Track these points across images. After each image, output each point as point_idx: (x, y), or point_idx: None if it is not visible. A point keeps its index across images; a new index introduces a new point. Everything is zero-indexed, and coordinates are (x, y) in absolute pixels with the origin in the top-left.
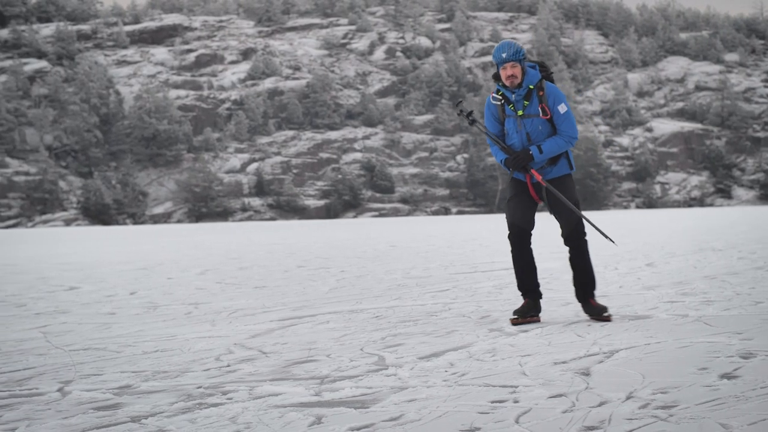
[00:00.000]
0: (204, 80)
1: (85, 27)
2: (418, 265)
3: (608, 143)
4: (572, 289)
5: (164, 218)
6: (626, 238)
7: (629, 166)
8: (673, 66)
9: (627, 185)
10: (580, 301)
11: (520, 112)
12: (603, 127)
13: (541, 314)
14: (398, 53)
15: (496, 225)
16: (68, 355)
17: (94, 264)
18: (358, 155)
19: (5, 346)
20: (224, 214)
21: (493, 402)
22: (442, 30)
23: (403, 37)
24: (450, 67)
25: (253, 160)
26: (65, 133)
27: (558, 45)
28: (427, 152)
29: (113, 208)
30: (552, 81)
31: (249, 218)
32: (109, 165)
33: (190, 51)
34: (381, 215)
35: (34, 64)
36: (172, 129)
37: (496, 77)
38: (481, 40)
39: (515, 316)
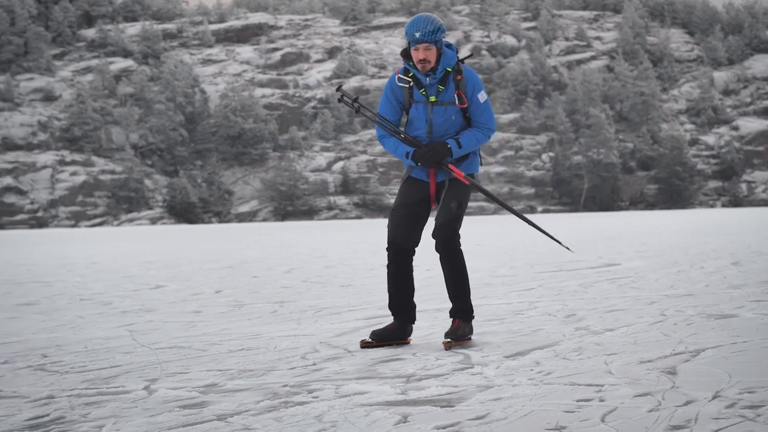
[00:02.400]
0: (289, 79)
1: (170, 26)
2: (505, 263)
3: (694, 142)
4: (656, 287)
5: (250, 217)
6: (712, 237)
7: (715, 165)
8: (760, 64)
9: (713, 184)
10: (450, 315)
11: (432, 98)
12: (688, 126)
13: (411, 338)
14: (483, 52)
15: (582, 223)
16: (154, 354)
17: (180, 262)
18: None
19: (92, 344)
20: (310, 213)
21: (578, 401)
22: (528, 28)
23: (488, 36)
24: (535, 66)
25: (339, 159)
26: (151, 131)
27: (643, 43)
28: (512, 151)
29: (199, 207)
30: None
31: (334, 217)
32: (194, 163)
33: (275, 50)
34: (466, 214)
35: (120, 64)
36: (257, 128)
37: (406, 55)
38: (567, 39)
39: (369, 339)
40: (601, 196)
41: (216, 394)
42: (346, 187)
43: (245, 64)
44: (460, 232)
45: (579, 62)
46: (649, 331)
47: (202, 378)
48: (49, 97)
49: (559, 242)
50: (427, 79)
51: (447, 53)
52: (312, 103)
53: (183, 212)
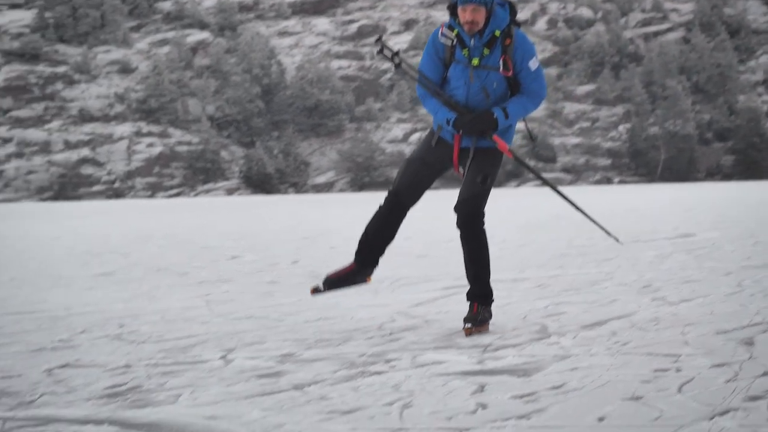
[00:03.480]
0: (366, 51)
1: None
2: (581, 234)
3: None
4: (732, 258)
5: (326, 188)
6: None
7: None
8: None
9: None
10: (467, 299)
11: (475, 61)
12: (766, 98)
13: (370, 277)
14: (560, 24)
15: (660, 195)
16: (231, 324)
17: (257, 233)
18: (520, 125)
19: (169, 314)
20: (386, 184)
21: (655, 371)
22: (604, 0)
23: (564, 8)
24: (612, 38)
25: (415, 130)
26: (227, 103)
27: (720, 15)
28: (589, 122)
29: (275, 178)
30: (519, 25)
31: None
32: (271, 135)
33: (351, 22)
34: (543, 185)
35: (196, 36)
36: (334, 99)
37: (453, 10)
38: (643, 11)
39: (319, 288)
40: (678, 167)
41: (292, 363)
42: None
43: (321, 35)
44: (485, 210)
45: (655, 34)
46: (726, 302)
47: (279, 348)
48: (125, 69)
49: (608, 232)
50: (472, 40)
51: (498, 14)
52: (388, 75)
53: (259, 183)
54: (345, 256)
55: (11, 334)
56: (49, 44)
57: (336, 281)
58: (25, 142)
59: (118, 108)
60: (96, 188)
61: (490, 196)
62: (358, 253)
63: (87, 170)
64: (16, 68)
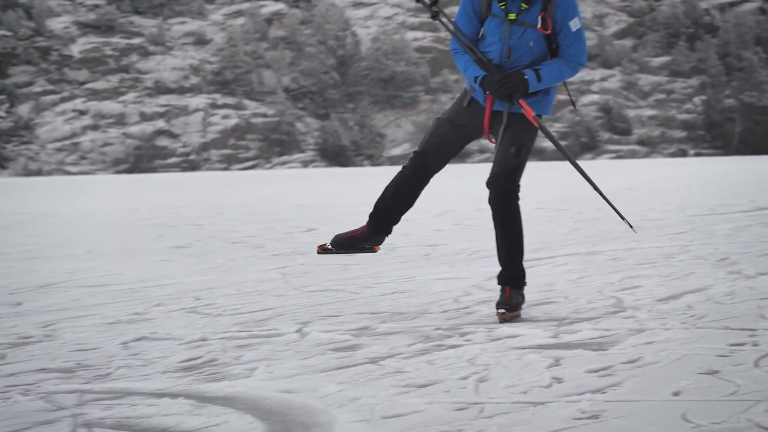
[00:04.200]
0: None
1: None
2: (656, 207)
3: None
4: None
5: (401, 160)
6: None
7: None
8: None
9: None
10: (497, 282)
11: (512, 16)
12: None
13: (380, 246)
14: None
15: (736, 167)
16: (306, 297)
17: (332, 205)
18: (595, 97)
19: (244, 287)
20: (462, 156)
21: (731, 345)
22: None
23: None
24: (687, 9)
25: None
26: (302, 74)
27: None
28: (664, 94)
29: (350, 150)
30: None
31: (486, 160)
32: (346, 107)
33: None
34: (618, 157)
35: (271, 7)
36: (409, 71)
37: None
38: None
39: (328, 247)
40: (754, 139)
41: (368, 337)
42: None
43: (396, 7)
44: (520, 183)
45: (731, 5)
46: None
47: (355, 321)
48: (200, 41)
49: (623, 217)
50: None
51: None
52: None
53: (335, 155)
54: (420, 229)
55: (87, 307)
56: (124, 16)
57: (344, 242)
58: (101, 114)
59: (193, 80)
60: (171, 160)
61: (525, 168)
62: (372, 216)
63: (162, 142)
64: (91, 40)
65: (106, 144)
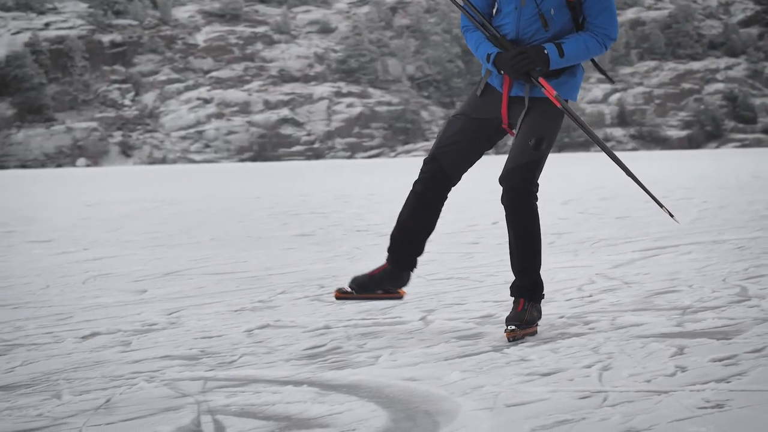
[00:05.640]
0: None
1: None
2: None
3: None
4: None
5: None
6: None
7: None
8: None
9: None
10: (510, 294)
11: None
12: None
13: (405, 289)
14: None
15: None
16: (431, 284)
17: (457, 193)
18: (720, 86)
19: None
20: (586, 145)
21: None
22: None
23: None
24: None
25: (615, 91)
26: (427, 63)
27: None
28: None
29: None
30: None
31: (611, 149)
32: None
33: None
34: (743, 146)
35: None
36: None
37: None
38: None
39: (347, 290)
40: None
41: (492, 325)
42: (622, 119)
43: None
44: (539, 181)
45: None
46: None
47: (479, 309)
48: (325, 29)
49: (662, 205)
50: None
51: None
52: None
53: None
54: (545, 218)
55: (212, 295)
56: (249, 5)
57: (365, 283)
58: (225, 102)
59: (318, 68)
60: (295, 148)
61: (545, 163)
62: (390, 250)
63: (286, 130)
64: (216, 29)
65: (231, 132)
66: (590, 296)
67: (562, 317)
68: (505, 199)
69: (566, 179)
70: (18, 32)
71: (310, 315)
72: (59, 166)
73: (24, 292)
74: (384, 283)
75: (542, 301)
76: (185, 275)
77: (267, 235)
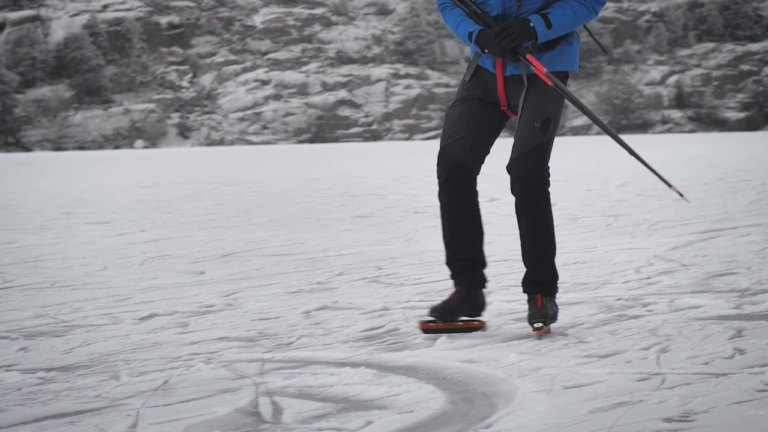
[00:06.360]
0: None
1: None
2: None
3: None
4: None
5: (584, 130)
6: None
7: None
8: None
9: None
10: (523, 290)
11: None
12: None
13: (485, 319)
14: None
15: None
16: (489, 267)
17: None
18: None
19: (426, 257)
20: (644, 126)
21: None
22: None
23: None
24: None
25: (673, 73)
26: None
27: None
28: None
29: None
30: None
31: (668, 131)
32: None
33: None
34: None
35: None
36: (592, 41)
37: None
38: None
39: (430, 319)
40: None
41: None
42: (680, 101)
43: None
44: (548, 165)
45: None
46: None
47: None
48: (383, 11)
49: (670, 185)
50: None
51: None
52: (646, 17)
53: (514, 125)
54: (602, 199)
55: (270, 276)
56: None
57: (444, 311)
58: (283, 84)
59: (376, 50)
60: (353, 130)
61: (554, 145)
62: (452, 275)
63: (344, 112)
64: (274, 10)
65: (288, 114)
66: (648, 278)
67: (619, 299)
68: (516, 189)
69: (622, 161)
70: (76, 14)
71: (367, 297)
72: (117, 147)
73: (82, 274)
74: (463, 307)
75: (598, 284)
76: (243, 257)
77: (325, 217)
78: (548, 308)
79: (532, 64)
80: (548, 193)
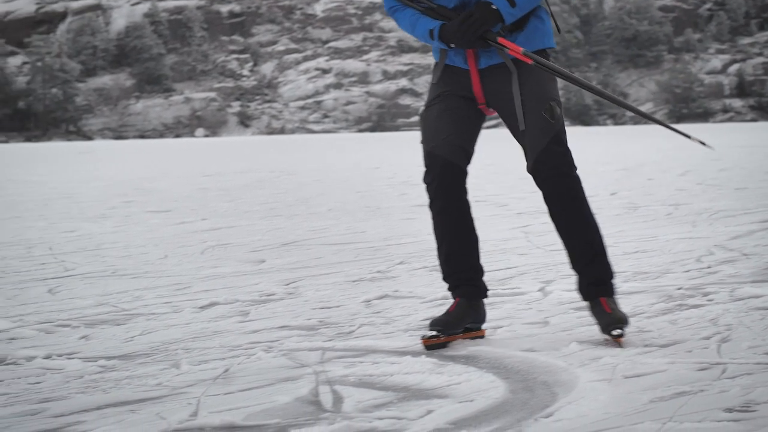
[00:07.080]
0: None
1: None
2: None
3: None
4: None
5: (644, 119)
6: None
7: None
8: None
9: None
10: (583, 297)
11: None
12: None
13: (485, 328)
14: None
15: None
16: (549, 255)
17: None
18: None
19: (487, 246)
20: (704, 115)
21: None
22: None
23: None
24: None
25: (734, 61)
26: None
27: None
28: None
29: (593, 109)
30: None
31: (729, 119)
32: (589, 66)
33: None
34: None
35: None
36: (652, 30)
37: None
38: None
39: (432, 334)
40: None
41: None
42: (741, 89)
43: None
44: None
45: None
46: None
47: None
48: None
49: (689, 136)
50: None
51: None
52: (707, 5)
53: (578, 114)
54: (663, 188)
55: (331, 265)
56: None
57: (446, 323)
58: (344, 73)
59: None
60: (413, 119)
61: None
62: (450, 287)
63: (405, 101)
64: None
65: (349, 102)
66: (709, 267)
67: (680, 288)
68: (548, 187)
69: (682, 150)
70: (137, 3)
71: (428, 285)
72: (177, 136)
73: (142, 262)
74: (466, 318)
75: (659, 273)
76: (303, 245)
77: (385, 205)
78: (619, 311)
79: (506, 47)
80: (581, 182)
